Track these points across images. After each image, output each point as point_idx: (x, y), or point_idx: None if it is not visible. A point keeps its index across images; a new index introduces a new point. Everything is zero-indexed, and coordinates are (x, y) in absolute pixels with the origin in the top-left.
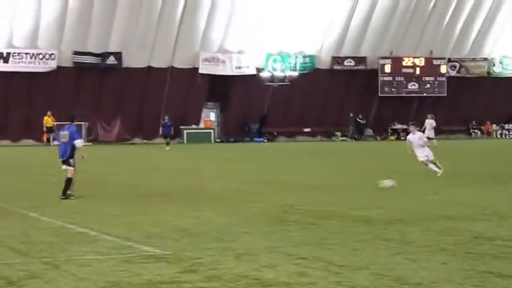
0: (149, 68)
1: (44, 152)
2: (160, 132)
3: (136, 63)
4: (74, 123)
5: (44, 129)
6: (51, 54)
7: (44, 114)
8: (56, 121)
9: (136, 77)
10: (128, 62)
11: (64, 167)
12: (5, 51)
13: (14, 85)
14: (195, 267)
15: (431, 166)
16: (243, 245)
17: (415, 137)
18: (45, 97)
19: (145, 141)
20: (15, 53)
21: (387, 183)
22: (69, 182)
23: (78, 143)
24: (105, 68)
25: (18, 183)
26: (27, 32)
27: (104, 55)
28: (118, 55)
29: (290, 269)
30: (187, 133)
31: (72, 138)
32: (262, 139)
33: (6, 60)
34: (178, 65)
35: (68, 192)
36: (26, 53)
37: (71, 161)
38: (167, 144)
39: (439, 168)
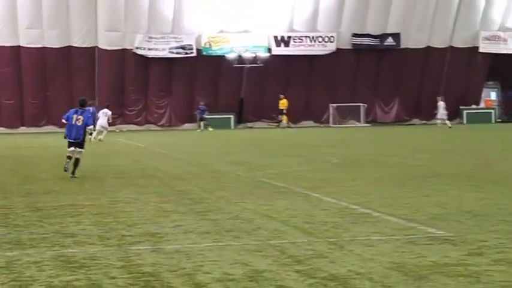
0: (427, 48)
1: (319, 133)
2: None
3: (415, 43)
4: (86, 109)
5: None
6: (331, 36)
7: (321, 95)
8: (334, 103)
9: (415, 58)
10: (406, 42)
11: (78, 149)
12: (286, 35)
13: (294, 67)
14: (481, 250)
15: None
16: None
17: None
18: (324, 79)
19: (424, 121)
20: (295, 36)
21: None
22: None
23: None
24: (383, 49)
25: (298, 164)
26: (307, 16)
27: (382, 36)
28: (396, 36)
29: None
30: (467, 113)
31: (86, 123)
32: None
33: (287, 44)
34: (457, 44)
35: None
36: (306, 36)
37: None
38: None
39: None
